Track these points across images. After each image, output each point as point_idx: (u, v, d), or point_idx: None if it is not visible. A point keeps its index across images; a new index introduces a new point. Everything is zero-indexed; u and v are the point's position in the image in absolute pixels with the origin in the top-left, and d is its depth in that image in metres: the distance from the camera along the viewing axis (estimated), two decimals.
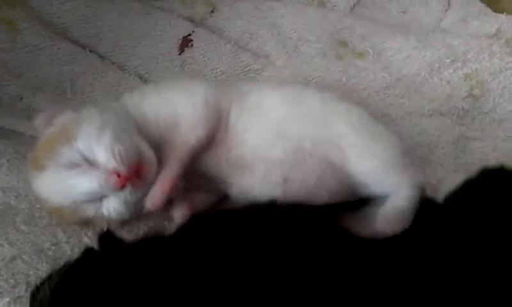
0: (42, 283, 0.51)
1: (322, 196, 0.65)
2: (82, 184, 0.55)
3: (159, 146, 0.63)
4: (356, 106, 0.73)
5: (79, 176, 0.56)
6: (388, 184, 0.63)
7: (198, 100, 0.66)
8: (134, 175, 0.56)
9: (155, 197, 0.59)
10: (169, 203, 0.62)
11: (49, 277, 0.51)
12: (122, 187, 0.55)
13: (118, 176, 0.54)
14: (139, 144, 0.59)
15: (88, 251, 0.55)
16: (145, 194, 0.59)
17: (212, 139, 0.66)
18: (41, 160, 0.58)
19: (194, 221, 0.60)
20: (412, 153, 0.79)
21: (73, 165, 0.56)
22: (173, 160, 0.62)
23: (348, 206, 0.66)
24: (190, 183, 0.67)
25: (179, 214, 0.65)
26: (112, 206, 0.57)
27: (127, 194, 0.56)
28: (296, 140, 0.66)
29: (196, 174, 0.67)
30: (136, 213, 0.61)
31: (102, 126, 0.58)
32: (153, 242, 0.58)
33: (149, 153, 0.59)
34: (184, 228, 0.60)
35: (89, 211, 0.58)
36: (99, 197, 0.57)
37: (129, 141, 0.58)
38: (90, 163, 0.56)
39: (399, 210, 0.59)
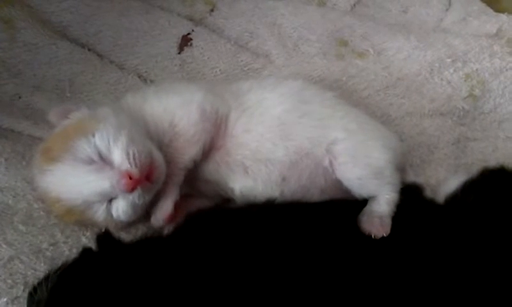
0: (40, 283, 0.51)
1: (315, 193, 0.67)
2: (95, 183, 0.56)
3: (160, 148, 0.63)
4: (354, 109, 0.74)
5: (92, 173, 0.56)
6: (372, 190, 0.66)
7: (195, 114, 0.65)
8: (145, 179, 0.57)
9: (159, 221, 0.62)
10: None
11: (46, 278, 0.51)
12: (132, 190, 0.56)
13: (130, 178, 0.55)
14: (151, 148, 0.59)
15: (85, 251, 0.55)
16: (152, 198, 0.60)
17: (210, 148, 0.66)
18: (55, 151, 0.58)
19: (192, 221, 0.60)
20: (410, 155, 0.79)
21: (88, 161, 0.56)
22: (172, 186, 0.63)
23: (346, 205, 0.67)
24: (190, 188, 0.67)
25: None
26: (121, 208, 0.58)
27: (136, 196, 0.57)
28: (297, 140, 0.66)
29: (196, 180, 0.67)
30: (142, 215, 0.62)
31: (119, 127, 0.58)
32: (151, 243, 0.58)
33: (159, 158, 0.60)
34: (181, 228, 0.60)
35: (100, 212, 0.58)
36: (109, 199, 0.58)
37: (142, 145, 0.58)
38: (104, 161, 0.57)
39: (379, 214, 0.62)
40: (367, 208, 0.64)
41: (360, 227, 0.60)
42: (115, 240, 0.57)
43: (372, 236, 0.59)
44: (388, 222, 0.61)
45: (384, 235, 0.59)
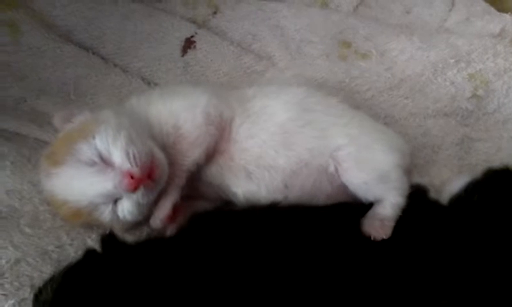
0: (45, 285, 0.52)
1: (320, 198, 0.67)
2: (98, 184, 0.56)
3: (163, 150, 0.63)
4: (359, 113, 0.74)
5: (95, 175, 0.57)
6: (378, 194, 0.65)
7: (199, 117, 0.65)
8: (147, 177, 0.57)
9: (156, 221, 0.62)
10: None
11: (51, 279, 0.52)
12: (135, 189, 0.56)
13: (132, 177, 0.55)
14: (152, 148, 0.60)
15: (89, 253, 0.55)
16: (156, 197, 0.61)
17: (213, 152, 0.67)
18: (59, 155, 0.59)
19: (196, 222, 0.61)
20: (414, 155, 0.79)
21: (90, 163, 0.57)
22: (173, 188, 0.63)
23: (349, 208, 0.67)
24: (193, 190, 0.68)
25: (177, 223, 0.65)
26: (126, 208, 0.58)
27: (140, 196, 0.57)
28: (297, 150, 0.66)
29: (198, 182, 0.67)
30: (148, 215, 0.62)
31: (119, 128, 0.59)
32: (155, 244, 0.59)
33: (161, 157, 0.60)
34: (185, 230, 0.61)
35: (106, 213, 0.59)
36: (114, 200, 0.58)
37: (143, 144, 0.59)
38: (106, 162, 0.57)
39: (382, 217, 0.62)
40: (371, 211, 0.64)
41: (361, 229, 0.60)
42: (119, 241, 0.58)
43: (372, 238, 0.59)
44: (389, 225, 0.61)
45: (385, 237, 0.59)
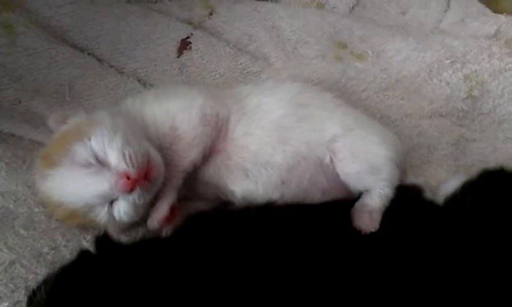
0: (39, 287, 0.51)
1: (316, 195, 0.67)
2: (94, 185, 0.56)
3: (160, 150, 0.63)
4: (354, 109, 0.74)
5: (91, 176, 0.57)
6: (367, 184, 0.66)
7: (196, 117, 0.65)
8: (143, 178, 0.57)
9: (154, 223, 0.62)
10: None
11: (45, 281, 0.51)
12: (131, 190, 0.56)
13: (128, 178, 0.55)
14: (148, 149, 0.60)
15: (83, 254, 0.55)
16: (152, 197, 0.61)
17: (210, 152, 0.67)
18: (54, 156, 0.59)
19: (191, 223, 0.61)
20: (409, 156, 0.79)
21: (86, 164, 0.57)
22: (170, 189, 0.63)
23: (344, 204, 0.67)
24: (190, 191, 0.68)
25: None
26: (123, 209, 0.58)
27: (136, 197, 0.57)
28: (294, 144, 0.67)
29: (196, 182, 0.68)
30: (144, 215, 0.62)
31: (114, 129, 0.59)
32: (150, 244, 0.59)
33: (157, 157, 0.60)
34: (181, 230, 0.60)
35: (102, 214, 0.59)
36: (110, 201, 0.58)
37: (139, 145, 0.59)
38: (101, 164, 0.57)
39: (370, 209, 0.63)
40: (359, 202, 0.64)
41: (352, 223, 0.61)
42: (114, 242, 0.57)
43: (362, 233, 0.59)
44: (377, 218, 0.62)
45: (373, 230, 0.60)
